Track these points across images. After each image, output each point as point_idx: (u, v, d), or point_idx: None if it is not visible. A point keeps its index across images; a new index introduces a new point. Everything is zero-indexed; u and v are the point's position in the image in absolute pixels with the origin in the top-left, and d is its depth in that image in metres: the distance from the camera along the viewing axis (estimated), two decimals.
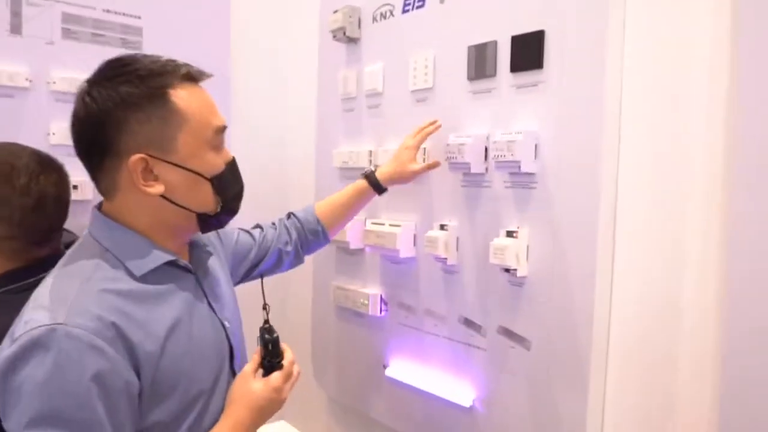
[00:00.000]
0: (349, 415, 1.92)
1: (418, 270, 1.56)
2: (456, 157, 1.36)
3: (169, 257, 0.94)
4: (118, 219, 0.93)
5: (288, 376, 1.05)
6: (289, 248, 1.38)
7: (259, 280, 1.29)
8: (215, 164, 0.95)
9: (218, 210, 0.97)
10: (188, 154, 0.91)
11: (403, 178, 1.42)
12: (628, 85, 1.16)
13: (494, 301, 1.36)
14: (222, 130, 0.95)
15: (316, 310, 1.95)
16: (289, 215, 1.43)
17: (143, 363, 0.86)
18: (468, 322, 1.43)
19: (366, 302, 1.66)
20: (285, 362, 1.05)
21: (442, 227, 1.46)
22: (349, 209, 1.45)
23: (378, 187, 1.43)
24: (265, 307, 1.08)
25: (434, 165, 1.43)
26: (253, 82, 2.07)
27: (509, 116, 1.32)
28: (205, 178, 0.93)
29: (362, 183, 1.43)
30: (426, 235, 1.44)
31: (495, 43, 1.34)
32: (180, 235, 0.99)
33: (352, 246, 1.69)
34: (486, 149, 1.36)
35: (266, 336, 1.05)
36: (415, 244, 1.56)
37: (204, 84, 0.98)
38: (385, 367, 1.65)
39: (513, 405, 1.32)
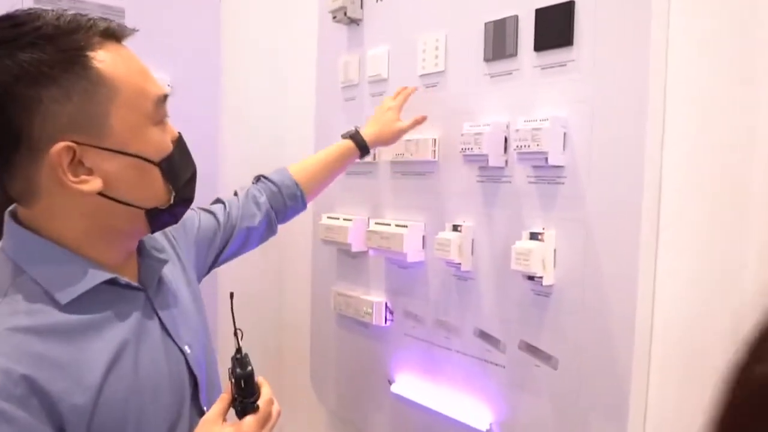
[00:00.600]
0: (349, 430, 1.75)
1: (427, 276, 1.40)
2: (471, 148, 1.20)
3: (106, 275, 0.73)
4: (39, 230, 0.72)
5: (264, 421, 0.81)
6: (257, 221, 1.16)
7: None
8: (162, 143, 0.75)
9: (171, 201, 0.77)
10: (127, 135, 0.71)
11: (390, 138, 1.32)
12: (675, 62, 0.99)
13: (515, 313, 1.20)
14: (163, 99, 0.75)
15: (315, 318, 1.79)
16: (258, 178, 1.23)
17: (70, 420, 0.66)
18: (484, 336, 1.27)
19: (369, 311, 1.50)
20: (261, 402, 0.82)
21: (455, 228, 1.29)
22: (331, 171, 1.29)
23: (364, 148, 1.30)
24: (236, 333, 0.83)
25: (421, 120, 1.33)
26: (246, 69, 1.90)
27: (533, 101, 1.15)
28: (153, 162, 0.74)
29: (347, 143, 1.29)
30: (437, 237, 1.27)
31: (515, 18, 1.17)
32: (124, 241, 0.78)
33: (354, 249, 1.53)
34: (506, 139, 1.20)
35: (237, 370, 0.81)
36: (424, 247, 1.40)
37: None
38: (390, 382, 1.49)
39: (536, 431, 1.16)
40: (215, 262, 1.11)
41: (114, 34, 0.72)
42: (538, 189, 1.15)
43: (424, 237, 1.39)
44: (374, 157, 1.51)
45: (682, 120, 1.00)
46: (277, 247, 1.77)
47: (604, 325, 1.05)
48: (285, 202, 1.20)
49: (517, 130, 1.11)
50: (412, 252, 1.38)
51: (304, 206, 1.25)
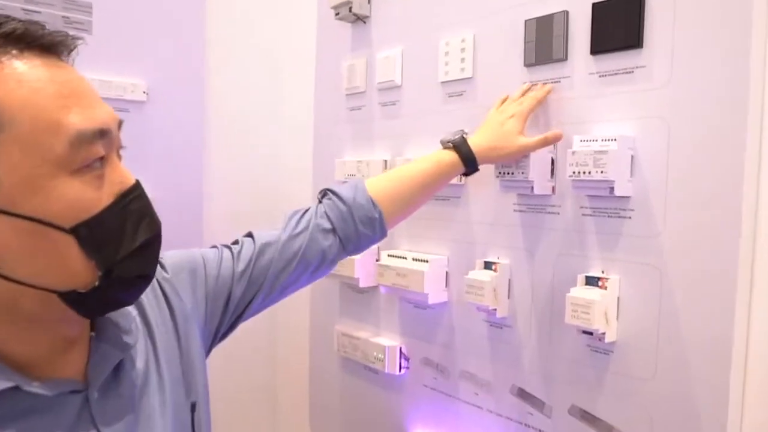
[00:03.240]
0: None
1: (451, 319, 1.18)
2: (512, 173, 0.99)
3: (3, 383, 0.52)
4: None
5: None
6: (315, 256, 0.85)
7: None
8: (81, 201, 0.52)
9: (97, 283, 0.54)
10: (18, 188, 0.50)
11: (508, 155, 0.96)
12: None
13: (564, 371, 0.99)
14: (94, 136, 0.53)
15: (314, 358, 1.56)
16: (324, 193, 0.92)
17: None
18: (524, 395, 1.05)
19: (381, 356, 1.28)
20: None
21: (487, 266, 1.08)
22: (423, 190, 0.94)
23: (471, 163, 0.95)
24: None
25: (552, 139, 0.96)
26: (235, 72, 1.67)
27: (589, 117, 0.94)
28: (61, 228, 0.51)
29: (448, 154, 0.95)
30: (467, 278, 1.06)
31: (565, 14, 0.96)
32: (44, 329, 0.56)
33: (363, 284, 1.31)
34: (552, 161, 0.99)
35: None
36: (447, 285, 1.18)
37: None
38: None
39: None
40: (240, 317, 0.83)
41: (28, 41, 0.51)
42: (596, 223, 0.94)
43: (447, 273, 1.18)
44: None
45: None
46: None
47: (685, 394, 0.84)
48: (356, 227, 0.88)
49: (573, 152, 0.89)
50: (435, 292, 1.16)
51: (382, 234, 0.91)
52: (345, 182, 0.94)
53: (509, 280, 1.06)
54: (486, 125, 0.99)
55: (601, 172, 0.86)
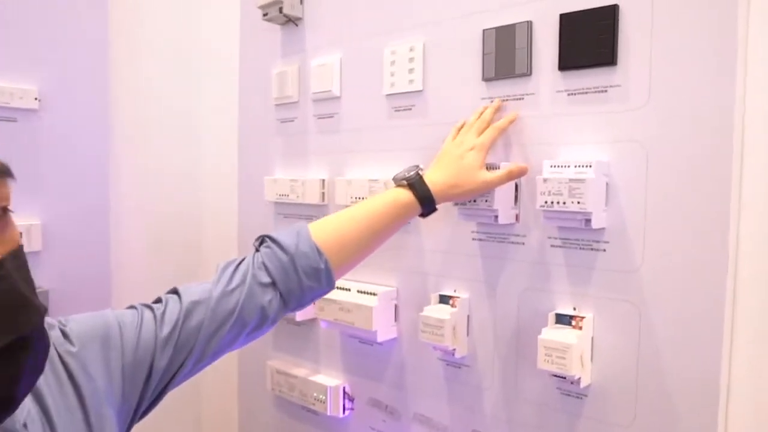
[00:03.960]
0: None
1: (402, 356, 1.07)
2: (473, 200, 0.89)
3: None
4: None
5: None
6: (252, 314, 0.73)
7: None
8: None
9: None
10: None
11: (471, 192, 0.86)
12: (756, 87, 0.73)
13: (532, 416, 0.90)
14: None
15: (244, 401, 1.40)
16: (261, 240, 0.81)
17: None
18: None
19: (323, 397, 1.15)
20: None
21: (442, 299, 0.98)
22: (375, 235, 0.83)
23: (426, 201, 0.84)
24: None
25: (518, 172, 0.86)
26: (143, 77, 1.47)
27: (556, 138, 0.86)
28: None
29: (402, 194, 0.84)
30: (424, 315, 0.95)
31: (529, 24, 0.87)
32: None
33: (300, 318, 1.18)
34: (516, 187, 0.90)
35: None
36: (396, 320, 1.07)
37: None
38: None
39: None
40: (165, 389, 0.69)
41: None
42: (565, 255, 0.86)
43: (396, 306, 1.07)
44: (323, 197, 1.16)
45: None
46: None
47: None
48: (299, 279, 0.76)
49: (545, 180, 0.80)
50: (384, 328, 1.04)
51: (329, 286, 0.80)
52: (285, 227, 0.81)
53: (468, 315, 0.97)
54: (443, 159, 0.88)
55: (578, 202, 0.78)
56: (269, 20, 1.19)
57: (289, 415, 1.28)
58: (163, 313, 0.68)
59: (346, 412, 1.16)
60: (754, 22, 0.72)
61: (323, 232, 0.79)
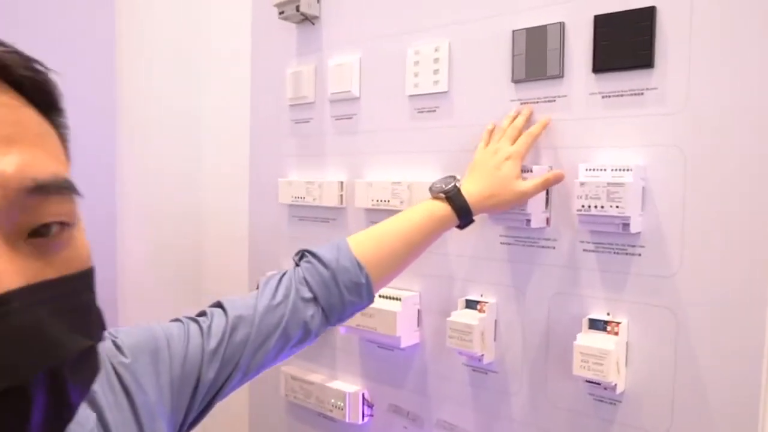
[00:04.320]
0: None
1: (425, 362, 1.05)
2: (507, 210, 0.87)
3: None
4: None
5: None
6: (295, 329, 0.72)
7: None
8: None
9: None
10: None
11: (509, 203, 0.85)
12: None
13: (563, 423, 0.89)
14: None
15: (255, 407, 1.38)
16: (302, 255, 0.79)
17: None
18: None
19: (341, 404, 1.13)
20: None
21: (469, 305, 0.96)
22: (413, 247, 0.81)
23: (464, 213, 0.83)
24: None
25: (558, 178, 0.85)
26: (149, 81, 1.44)
27: (589, 142, 0.84)
28: None
29: (439, 207, 0.83)
30: (451, 321, 0.93)
31: (561, 25, 0.86)
32: None
33: None
34: (547, 191, 0.88)
35: None
36: (419, 324, 1.05)
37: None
38: None
39: None
40: (212, 402, 0.67)
41: None
42: (598, 260, 0.85)
43: (419, 311, 1.05)
44: (341, 200, 1.14)
45: None
46: (199, 297, 1.34)
47: None
48: (341, 294, 0.75)
49: (582, 184, 0.79)
50: (407, 334, 1.03)
51: (370, 300, 0.79)
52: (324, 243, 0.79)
53: (495, 320, 0.95)
54: (478, 169, 0.86)
55: (617, 207, 0.76)
56: (285, 18, 1.17)
57: (302, 421, 1.26)
58: (210, 326, 0.66)
59: (366, 419, 1.14)
60: None
61: (362, 246, 0.78)
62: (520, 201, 0.85)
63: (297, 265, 0.78)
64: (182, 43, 1.47)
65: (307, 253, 0.78)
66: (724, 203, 0.74)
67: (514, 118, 0.89)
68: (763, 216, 0.72)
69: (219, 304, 0.70)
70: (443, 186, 0.84)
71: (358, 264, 0.76)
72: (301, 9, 1.13)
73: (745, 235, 0.73)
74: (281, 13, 1.16)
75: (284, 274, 0.76)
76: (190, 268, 1.48)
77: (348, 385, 1.15)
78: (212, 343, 0.65)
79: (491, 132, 0.91)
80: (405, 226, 0.81)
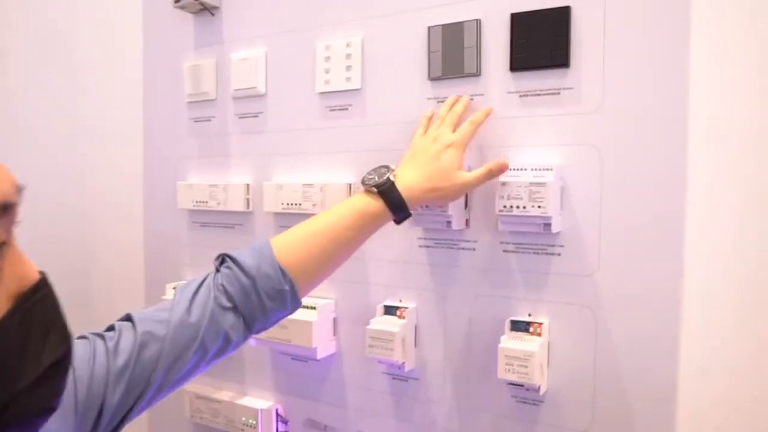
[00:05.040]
0: None
1: (341, 372, 1.00)
2: (426, 205, 0.84)
3: None
4: None
5: None
6: (213, 344, 0.66)
7: None
8: None
9: None
10: None
11: (450, 195, 0.79)
12: (724, 87, 0.75)
13: (487, 426, 0.88)
14: None
15: (155, 427, 1.27)
16: (222, 260, 0.72)
17: None
18: None
19: (253, 422, 1.06)
20: None
21: (388, 310, 0.93)
22: (343, 247, 0.75)
23: (399, 208, 0.76)
24: None
25: (497, 170, 0.79)
26: (23, 76, 1.28)
27: (507, 141, 0.83)
28: None
29: (372, 204, 0.76)
30: (371, 329, 0.89)
31: (477, 22, 0.84)
32: None
33: None
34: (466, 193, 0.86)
35: None
36: (335, 333, 1.00)
37: None
38: None
39: None
40: (120, 425, 0.60)
41: None
42: (519, 261, 0.84)
43: (335, 319, 1.00)
44: (248, 204, 1.07)
45: (732, 163, 0.77)
46: (89, 313, 1.21)
47: None
48: (262, 303, 0.69)
49: (504, 184, 0.78)
50: (323, 344, 0.97)
51: (295, 306, 0.73)
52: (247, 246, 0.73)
53: (416, 326, 0.92)
54: (416, 158, 0.80)
55: (539, 207, 0.76)
56: (181, 7, 1.07)
57: None
58: (117, 343, 0.60)
59: None
60: (699, 24, 0.74)
61: (288, 248, 0.72)
62: (461, 193, 0.80)
63: (217, 270, 0.71)
64: (59, 34, 1.32)
65: (227, 258, 0.71)
66: (639, 202, 0.75)
67: (453, 104, 0.84)
68: (677, 215, 0.74)
69: (128, 318, 0.64)
70: (376, 179, 0.77)
71: (282, 270, 0.70)
72: None
73: (660, 234, 0.74)
74: (177, 1, 1.06)
75: (203, 282, 0.69)
76: (78, 281, 1.33)
77: (260, 401, 1.08)
78: (119, 362, 0.59)
79: (430, 119, 0.85)
80: (334, 226, 0.74)
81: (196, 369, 0.66)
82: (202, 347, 0.65)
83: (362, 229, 0.76)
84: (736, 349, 0.81)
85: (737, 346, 0.81)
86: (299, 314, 0.95)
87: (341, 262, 0.77)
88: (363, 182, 0.79)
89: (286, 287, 0.70)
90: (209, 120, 1.12)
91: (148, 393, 0.60)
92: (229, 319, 0.67)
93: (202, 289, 0.67)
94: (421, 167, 0.78)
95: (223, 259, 0.72)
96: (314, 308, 0.96)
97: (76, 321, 0.65)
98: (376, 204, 0.76)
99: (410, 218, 0.79)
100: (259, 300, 0.69)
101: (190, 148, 1.14)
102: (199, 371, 0.67)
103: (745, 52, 0.84)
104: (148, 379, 0.60)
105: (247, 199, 1.06)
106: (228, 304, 0.67)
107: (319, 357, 0.97)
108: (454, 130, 0.81)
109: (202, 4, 1.05)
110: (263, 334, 0.96)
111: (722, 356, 0.80)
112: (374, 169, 0.80)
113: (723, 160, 0.80)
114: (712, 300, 0.77)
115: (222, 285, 0.68)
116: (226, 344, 0.67)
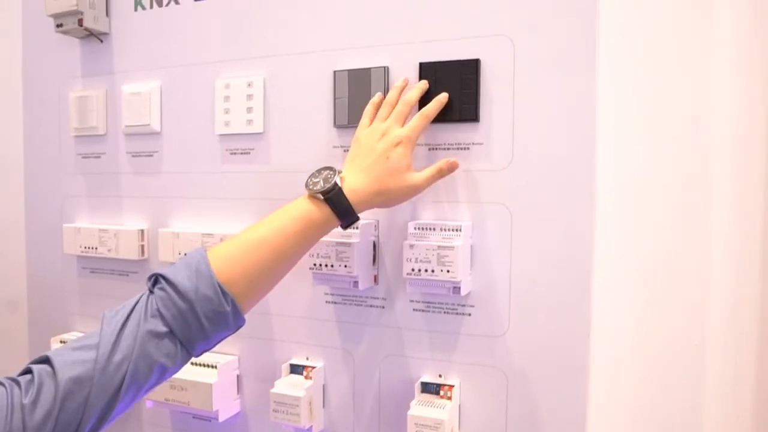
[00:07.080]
0: None
1: (246, 430, 0.94)
2: (329, 264, 0.79)
3: None
4: None
5: None
6: (146, 377, 0.59)
7: None
8: None
9: None
10: None
11: (395, 199, 0.73)
12: (631, 142, 0.74)
13: None
14: None
15: None
16: (155, 280, 0.63)
17: None
18: None
19: None
20: None
21: (294, 369, 0.87)
22: (287, 258, 0.68)
23: (346, 212, 0.69)
24: None
25: (447, 169, 0.75)
26: None
27: (419, 196, 0.79)
28: None
29: (318, 210, 0.69)
30: (275, 393, 0.83)
31: (385, 70, 0.80)
32: None
33: None
34: (375, 245, 0.82)
35: None
36: (239, 392, 0.93)
37: None
38: None
39: None
40: None
41: None
42: (429, 320, 0.80)
43: (239, 377, 0.93)
44: (142, 251, 0.98)
45: (640, 219, 0.76)
46: None
47: None
48: (202, 326, 0.62)
49: (412, 246, 0.74)
50: (226, 405, 0.90)
51: (238, 325, 0.66)
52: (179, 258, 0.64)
53: (323, 385, 0.87)
54: (362, 157, 0.73)
55: (447, 271, 0.72)
56: (64, 32, 0.97)
57: None
58: (36, 396, 0.53)
59: None
60: (606, 77, 0.73)
61: (227, 262, 0.64)
62: (411, 196, 0.74)
63: (150, 292, 0.63)
64: None
65: (161, 279, 0.63)
66: (548, 261, 0.73)
67: (402, 88, 0.77)
68: (584, 275, 0.72)
69: (46, 360, 0.56)
70: (322, 183, 0.70)
71: (222, 290, 0.62)
72: (85, 24, 0.94)
73: (569, 294, 0.73)
74: (59, 25, 0.95)
75: (133, 308, 0.61)
76: None
77: None
78: (37, 417, 0.52)
79: (378, 105, 0.78)
80: (277, 235, 0.67)
81: (132, 402, 0.59)
82: (135, 383, 0.58)
83: (307, 238, 0.69)
84: (642, 409, 0.80)
85: (643, 405, 0.81)
86: (198, 375, 0.89)
87: (285, 273, 0.70)
88: (307, 186, 0.71)
89: (228, 308, 0.63)
90: (99, 157, 1.02)
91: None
92: (165, 347, 0.60)
93: (132, 318, 0.60)
94: (369, 168, 0.72)
95: (156, 279, 0.63)
96: (215, 367, 0.89)
97: None
98: (321, 211, 0.69)
99: (293, 278, 0.74)
100: (199, 324, 0.61)
101: (77, 186, 1.04)
102: (137, 400, 0.61)
103: (652, 105, 0.84)
104: (77, 426, 0.54)
105: (142, 246, 0.97)
106: (163, 329, 0.60)
107: (221, 420, 0.90)
108: (403, 124, 0.74)
109: (87, 30, 0.95)
110: (161, 396, 0.89)
111: (630, 414, 0.80)
112: (318, 171, 0.72)
113: (631, 217, 0.80)
114: (617, 365, 0.76)
115: (157, 310, 0.61)
116: (163, 373, 0.61)
